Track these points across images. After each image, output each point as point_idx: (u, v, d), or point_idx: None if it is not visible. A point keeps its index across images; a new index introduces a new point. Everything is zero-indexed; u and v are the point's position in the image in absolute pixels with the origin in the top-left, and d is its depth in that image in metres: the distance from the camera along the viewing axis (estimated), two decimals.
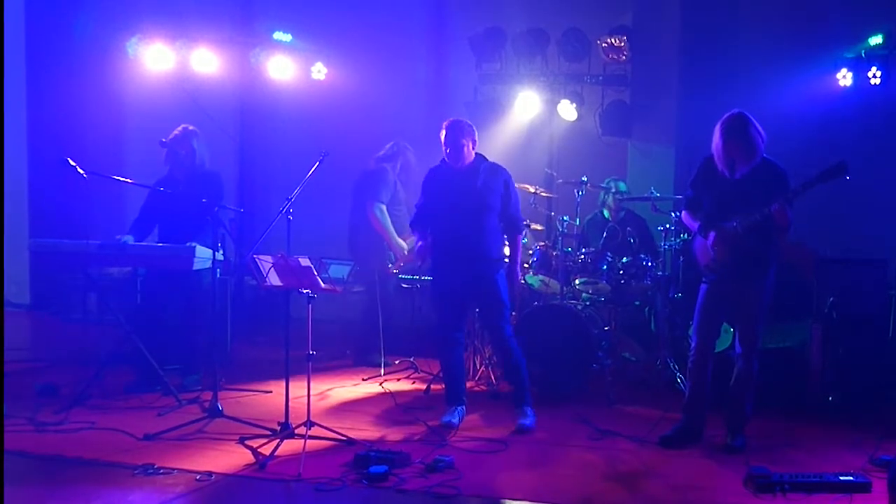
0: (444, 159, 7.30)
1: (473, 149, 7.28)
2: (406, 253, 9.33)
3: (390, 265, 9.31)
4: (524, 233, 7.59)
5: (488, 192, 7.24)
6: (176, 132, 8.26)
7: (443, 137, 7.23)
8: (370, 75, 10.84)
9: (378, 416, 7.64)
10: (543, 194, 9.31)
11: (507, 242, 7.66)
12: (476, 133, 7.32)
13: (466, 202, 7.21)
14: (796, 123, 9.15)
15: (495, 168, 7.36)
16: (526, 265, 8.64)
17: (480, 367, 8.68)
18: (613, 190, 9.56)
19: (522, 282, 8.66)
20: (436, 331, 7.51)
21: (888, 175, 9.54)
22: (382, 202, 9.17)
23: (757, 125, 6.46)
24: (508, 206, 7.33)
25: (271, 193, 11.52)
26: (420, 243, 7.33)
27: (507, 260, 7.55)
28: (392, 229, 9.19)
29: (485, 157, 7.37)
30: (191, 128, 8.33)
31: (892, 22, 9.48)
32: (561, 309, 8.36)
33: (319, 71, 11.24)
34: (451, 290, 7.31)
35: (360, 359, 9.49)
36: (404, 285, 9.69)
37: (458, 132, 7.21)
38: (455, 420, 7.28)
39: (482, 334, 8.45)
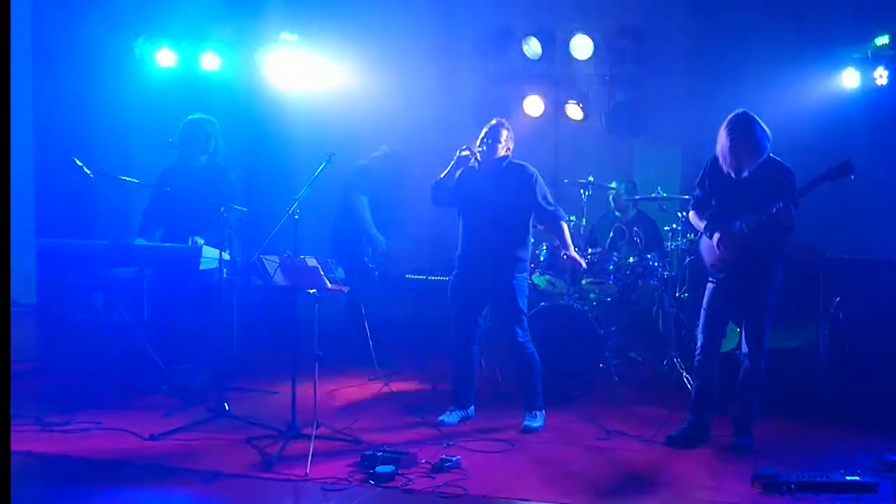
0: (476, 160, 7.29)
1: (507, 151, 7.34)
2: (384, 249, 9.42)
3: (366, 259, 9.36)
4: (566, 220, 7.55)
5: (511, 190, 7.26)
6: (185, 127, 8.25)
7: (484, 131, 7.30)
8: (377, 75, 10.82)
9: (385, 415, 7.65)
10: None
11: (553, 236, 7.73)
12: (512, 139, 7.38)
13: (489, 200, 7.24)
14: (802, 123, 9.11)
15: (520, 167, 7.37)
16: (532, 265, 8.63)
17: (486, 367, 8.67)
18: (614, 189, 9.57)
19: (529, 282, 8.67)
20: (450, 331, 7.52)
21: (895, 175, 9.53)
22: (364, 195, 9.26)
23: (762, 124, 6.47)
24: (538, 202, 7.32)
25: (278, 194, 11.52)
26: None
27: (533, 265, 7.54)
28: (371, 222, 9.28)
29: (510, 157, 7.39)
30: (199, 116, 8.32)
31: None
32: (568, 309, 8.36)
33: (326, 71, 11.22)
34: (467, 287, 7.35)
35: (364, 358, 9.50)
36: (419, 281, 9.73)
37: (502, 129, 7.30)
38: (448, 420, 7.33)
39: (489, 334, 8.45)
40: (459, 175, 7.21)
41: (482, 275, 7.25)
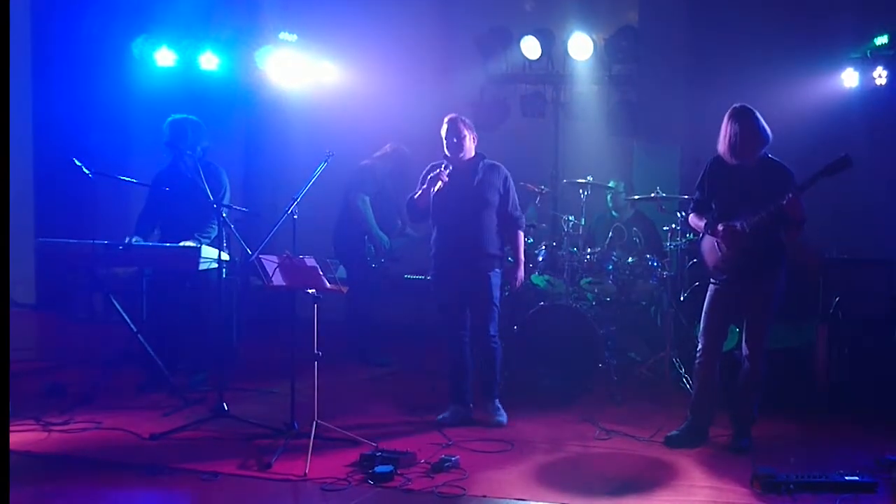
0: (445, 155, 7.33)
1: (474, 144, 7.37)
2: (388, 249, 9.42)
3: (368, 259, 9.38)
4: (524, 229, 7.65)
5: (486, 189, 7.31)
6: (168, 128, 8.23)
7: (444, 131, 7.32)
8: (376, 75, 10.83)
9: (384, 415, 7.65)
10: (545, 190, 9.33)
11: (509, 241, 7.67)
12: (474, 130, 7.41)
13: (464, 199, 7.27)
14: (802, 123, 9.13)
15: (494, 166, 7.42)
16: (531, 265, 8.65)
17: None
18: (613, 188, 9.56)
19: (528, 282, 8.67)
20: (442, 330, 7.55)
21: (894, 175, 9.53)
22: (366, 194, 9.29)
23: (761, 118, 6.51)
24: (507, 204, 7.39)
25: (278, 194, 11.52)
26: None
27: (509, 259, 7.64)
28: (373, 221, 9.30)
29: (484, 156, 7.41)
30: (181, 116, 8.31)
31: None
32: (567, 309, 8.37)
33: (325, 71, 11.22)
34: (447, 286, 7.38)
35: (364, 358, 9.52)
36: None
37: (461, 124, 7.31)
38: (447, 419, 7.35)
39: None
40: (430, 178, 7.26)
41: (458, 273, 7.30)
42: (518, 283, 7.70)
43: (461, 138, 7.28)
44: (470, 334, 7.46)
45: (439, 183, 7.17)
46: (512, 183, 7.45)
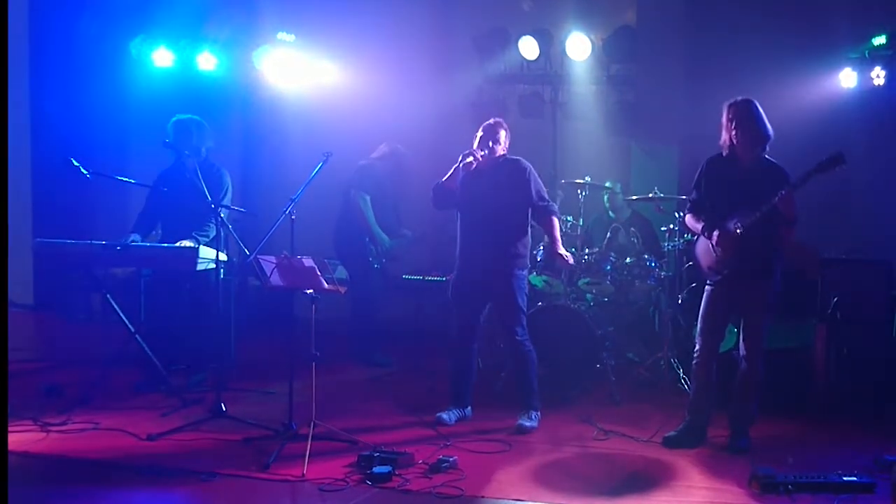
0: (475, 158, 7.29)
1: (504, 147, 7.35)
2: (388, 248, 9.41)
3: (371, 259, 9.38)
4: (557, 215, 7.61)
5: (504, 186, 7.27)
6: (172, 128, 8.23)
7: (482, 130, 7.31)
8: (374, 75, 10.83)
9: (382, 415, 7.64)
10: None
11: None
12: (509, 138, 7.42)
13: (484, 196, 7.24)
14: (800, 123, 9.11)
15: (513, 161, 7.39)
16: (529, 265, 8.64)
17: (483, 366, 8.65)
18: (609, 189, 9.57)
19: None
20: (451, 330, 7.53)
21: (892, 175, 9.53)
22: (367, 194, 9.26)
23: (764, 116, 6.50)
24: (531, 196, 7.34)
25: (276, 194, 11.51)
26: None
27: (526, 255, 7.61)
28: (374, 221, 9.29)
29: (505, 155, 7.40)
30: (185, 116, 8.31)
31: (895, 22, 9.46)
32: (565, 309, 8.36)
33: (323, 71, 11.22)
34: (467, 284, 7.35)
35: (362, 358, 9.51)
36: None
37: (500, 130, 7.33)
38: (447, 418, 7.33)
39: (489, 333, 8.42)
40: (463, 155, 7.21)
41: (481, 272, 7.25)
42: (564, 259, 7.52)
43: (495, 143, 7.28)
44: (499, 339, 7.44)
45: (470, 157, 7.12)
46: (534, 175, 7.39)
